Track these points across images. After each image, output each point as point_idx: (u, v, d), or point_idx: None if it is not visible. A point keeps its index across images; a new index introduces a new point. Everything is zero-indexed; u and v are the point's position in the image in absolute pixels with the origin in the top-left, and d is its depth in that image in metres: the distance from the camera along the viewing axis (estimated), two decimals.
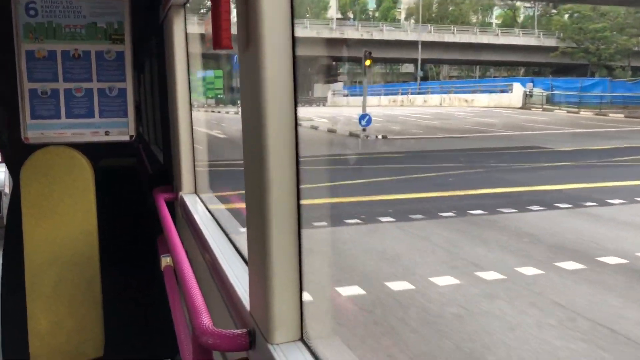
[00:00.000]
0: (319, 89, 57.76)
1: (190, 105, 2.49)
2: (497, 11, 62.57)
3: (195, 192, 2.54)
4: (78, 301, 2.67)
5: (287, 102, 0.99)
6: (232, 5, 1.10)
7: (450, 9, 58.97)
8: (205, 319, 1.17)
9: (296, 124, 1.01)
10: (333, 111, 36.94)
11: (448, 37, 50.49)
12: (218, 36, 1.06)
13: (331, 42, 49.57)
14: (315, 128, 23.56)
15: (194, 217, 2.07)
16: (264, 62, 0.96)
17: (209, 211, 2.19)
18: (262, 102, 0.98)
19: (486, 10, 61.67)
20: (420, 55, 47.79)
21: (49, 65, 2.59)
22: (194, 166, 2.54)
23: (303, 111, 33.69)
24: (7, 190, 5.94)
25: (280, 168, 1.00)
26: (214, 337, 1.10)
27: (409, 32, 50.97)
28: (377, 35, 49.80)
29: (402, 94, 47.11)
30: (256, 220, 1.06)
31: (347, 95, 50.61)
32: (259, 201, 1.03)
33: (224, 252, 1.59)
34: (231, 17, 1.07)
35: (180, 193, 2.52)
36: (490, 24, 59.80)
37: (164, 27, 2.59)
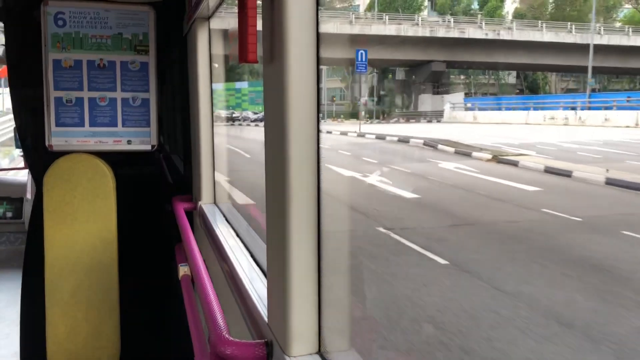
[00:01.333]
0: (426, 101, 49.23)
1: (212, 116, 2.52)
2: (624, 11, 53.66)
3: (215, 202, 2.56)
4: (95, 307, 2.70)
5: (310, 116, 1.00)
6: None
7: (567, 9, 50.34)
8: (223, 329, 1.17)
9: (318, 138, 1.02)
10: (462, 131, 27.58)
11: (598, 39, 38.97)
12: (244, 50, 1.07)
13: (442, 43, 41.44)
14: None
15: (212, 227, 2.08)
16: (288, 75, 0.97)
17: (228, 221, 2.20)
18: (285, 116, 0.99)
19: (609, 10, 51.76)
20: (591, 62, 35.97)
21: (75, 74, 2.64)
22: (214, 176, 2.56)
23: (406, 129, 28.72)
24: (28, 196, 6.02)
25: (302, 180, 1.00)
26: (232, 347, 1.10)
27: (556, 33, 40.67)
28: (505, 35, 40.88)
29: (566, 109, 34.50)
30: (276, 232, 1.07)
31: (470, 109, 42.02)
32: (279, 213, 1.04)
33: (242, 262, 1.59)
34: (257, 30, 1.09)
35: (200, 203, 2.54)
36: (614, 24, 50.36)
37: (188, 40, 2.63)
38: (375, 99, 56.56)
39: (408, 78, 54.51)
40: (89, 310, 2.69)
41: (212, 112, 2.51)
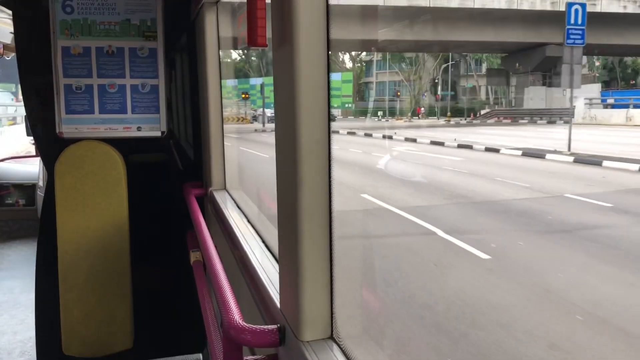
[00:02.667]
0: (537, 96, 37.26)
1: (222, 102, 2.51)
2: None
3: (225, 188, 2.56)
4: (109, 293, 2.72)
5: (321, 100, 0.99)
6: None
7: None
8: (236, 314, 1.17)
9: (329, 121, 1.01)
10: None
11: None
12: (253, 34, 1.06)
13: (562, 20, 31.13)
14: None
15: (223, 212, 2.09)
16: (299, 58, 0.96)
17: (239, 207, 2.20)
18: (296, 99, 0.97)
19: None
20: None
21: (84, 61, 2.64)
22: (224, 162, 2.56)
23: (551, 137, 19.74)
24: (40, 183, 6.07)
25: (313, 165, 1.00)
26: (245, 333, 1.10)
27: None
28: None
29: None
30: (287, 217, 1.07)
31: (610, 106, 31.53)
32: (290, 198, 1.03)
33: (253, 248, 1.60)
34: (266, 14, 1.08)
35: (210, 189, 2.54)
36: None
37: (196, 25, 2.61)
38: (451, 92, 48.12)
39: (508, 66, 42.55)
40: (102, 296, 2.71)
41: (221, 97, 2.50)
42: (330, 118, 1.01)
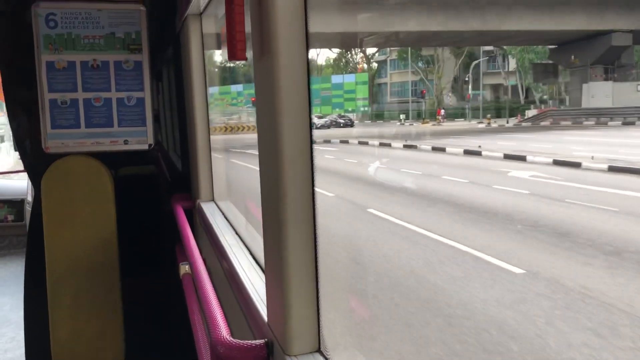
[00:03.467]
0: (600, 92, 31.53)
1: (208, 113, 2.50)
2: None
3: (213, 199, 2.55)
4: (98, 309, 2.70)
5: (302, 110, 0.99)
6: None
7: None
8: (223, 330, 1.16)
9: (311, 131, 1.01)
10: None
11: None
12: (233, 48, 1.06)
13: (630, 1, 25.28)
14: None
15: (211, 225, 2.07)
16: (279, 70, 0.96)
17: (227, 219, 2.19)
18: (277, 110, 0.97)
19: None
20: None
21: (69, 75, 2.63)
22: (212, 174, 2.55)
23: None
24: (29, 198, 6.03)
25: (296, 176, 0.99)
26: (232, 349, 1.09)
27: None
28: None
29: None
30: (272, 230, 1.06)
31: None
32: (274, 211, 1.03)
33: (241, 261, 1.58)
34: (245, 27, 1.07)
35: (198, 201, 2.53)
36: None
37: (181, 37, 2.61)
38: (482, 91, 42.25)
39: (558, 58, 36.76)
40: (91, 312, 2.69)
41: (208, 108, 2.49)
42: (311, 128, 1.01)
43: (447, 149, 19.87)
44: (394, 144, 23.21)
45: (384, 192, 11.89)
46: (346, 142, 25.76)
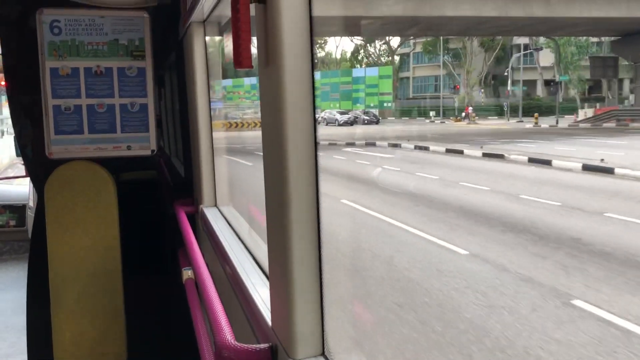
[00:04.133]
0: None
1: (211, 119, 2.52)
2: None
3: (216, 205, 2.56)
4: (101, 313, 2.71)
5: (306, 118, 1.01)
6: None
7: None
8: (228, 334, 1.17)
9: (315, 139, 1.02)
10: None
11: None
12: (238, 55, 1.07)
13: None
14: None
15: (214, 230, 2.09)
16: (284, 79, 0.98)
17: (230, 224, 2.20)
18: (282, 118, 0.99)
19: None
20: None
21: (72, 81, 2.65)
22: (214, 179, 2.57)
23: None
24: (31, 203, 6.04)
25: (300, 182, 1.01)
26: (237, 353, 1.11)
27: None
28: None
29: None
30: (276, 234, 1.07)
31: None
32: (279, 216, 1.04)
33: (244, 265, 1.60)
34: (251, 36, 1.09)
35: (201, 206, 2.54)
36: None
37: (184, 43, 2.63)
38: (523, 87, 37.93)
39: (622, 51, 33.01)
40: (94, 316, 2.70)
41: (210, 114, 2.51)
42: (316, 136, 1.03)
43: (553, 162, 14.27)
44: (467, 151, 17.83)
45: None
46: (397, 145, 20.77)
